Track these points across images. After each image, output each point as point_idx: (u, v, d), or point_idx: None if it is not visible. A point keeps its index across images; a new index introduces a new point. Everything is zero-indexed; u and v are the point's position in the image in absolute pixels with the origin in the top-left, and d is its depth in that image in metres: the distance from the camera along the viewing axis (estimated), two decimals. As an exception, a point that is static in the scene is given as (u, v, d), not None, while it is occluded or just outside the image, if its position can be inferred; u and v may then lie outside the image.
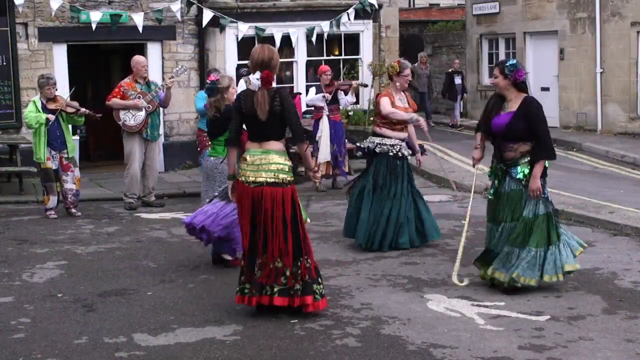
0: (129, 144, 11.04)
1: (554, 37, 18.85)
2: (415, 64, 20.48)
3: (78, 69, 14.44)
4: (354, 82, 13.09)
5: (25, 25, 13.49)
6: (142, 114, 10.91)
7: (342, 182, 12.42)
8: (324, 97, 12.08)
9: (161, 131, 12.58)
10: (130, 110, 10.89)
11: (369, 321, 6.11)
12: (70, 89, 11.03)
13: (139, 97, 10.92)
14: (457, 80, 20.99)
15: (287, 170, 6.13)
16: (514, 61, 6.82)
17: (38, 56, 13.60)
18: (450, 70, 21.31)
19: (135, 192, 11.17)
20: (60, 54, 13.73)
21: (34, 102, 10.40)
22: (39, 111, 10.26)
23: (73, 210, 10.58)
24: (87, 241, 9.09)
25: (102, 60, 16.37)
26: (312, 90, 12.46)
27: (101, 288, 7.15)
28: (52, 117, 10.23)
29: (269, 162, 6.08)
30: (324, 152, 12.11)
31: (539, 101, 6.90)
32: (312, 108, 12.53)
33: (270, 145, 6.12)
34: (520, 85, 6.78)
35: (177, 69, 11.44)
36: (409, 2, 34.11)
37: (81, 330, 6.01)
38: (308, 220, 6.73)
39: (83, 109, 10.65)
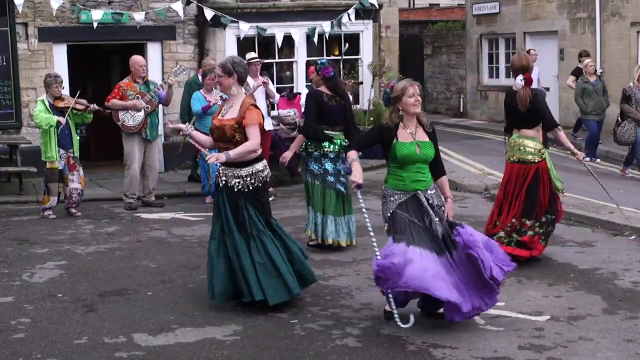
0: (128, 144, 11.04)
1: (554, 37, 18.84)
2: (631, 84, 13.35)
3: (78, 69, 14.43)
4: (347, 82, 13.08)
5: (25, 25, 13.48)
6: (141, 114, 10.92)
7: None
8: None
9: (160, 131, 12.58)
10: (129, 111, 10.89)
11: (369, 321, 6.11)
12: (75, 90, 11.04)
13: (138, 98, 10.92)
14: None
15: None
16: (324, 60, 8.24)
17: (38, 56, 13.60)
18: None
19: (135, 192, 11.16)
20: (60, 54, 13.72)
21: (42, 101, 10.36)
22: (49, 111, 10.23)
23: (73, 210, 10.58)
24: (87, 241, 9.08)
25: (102, 60, 16.36)
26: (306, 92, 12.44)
27: (101, 288, 7.15)
28: (63, 120, 10.20)
29: None
30: None
31: None
32: None
33: None
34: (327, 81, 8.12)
35: (176, 68, 11.42)
36: (409, 2, 34.09)
37: (81, 330, 6.01)
38: None
39: (93, 105, 10.65)
